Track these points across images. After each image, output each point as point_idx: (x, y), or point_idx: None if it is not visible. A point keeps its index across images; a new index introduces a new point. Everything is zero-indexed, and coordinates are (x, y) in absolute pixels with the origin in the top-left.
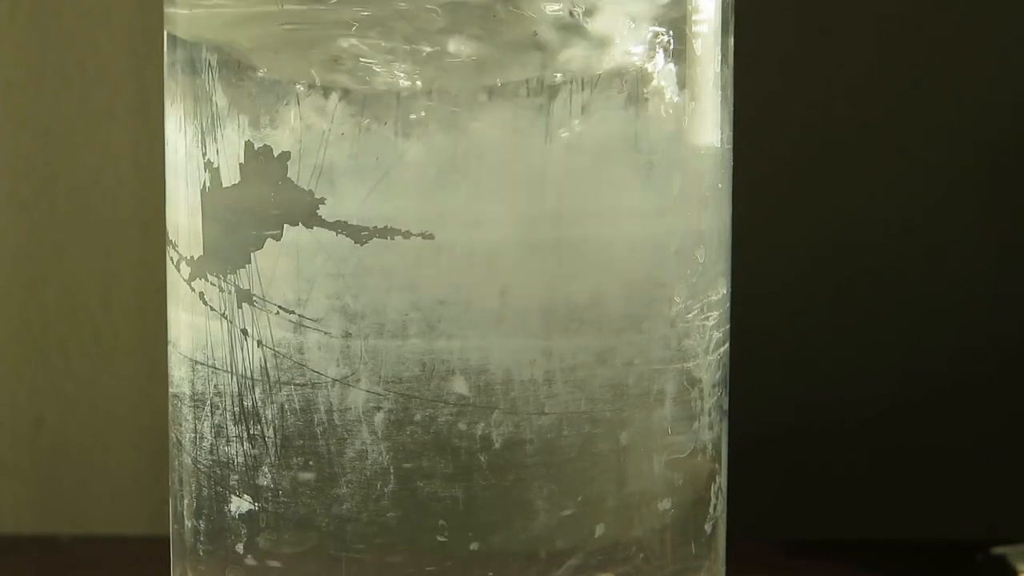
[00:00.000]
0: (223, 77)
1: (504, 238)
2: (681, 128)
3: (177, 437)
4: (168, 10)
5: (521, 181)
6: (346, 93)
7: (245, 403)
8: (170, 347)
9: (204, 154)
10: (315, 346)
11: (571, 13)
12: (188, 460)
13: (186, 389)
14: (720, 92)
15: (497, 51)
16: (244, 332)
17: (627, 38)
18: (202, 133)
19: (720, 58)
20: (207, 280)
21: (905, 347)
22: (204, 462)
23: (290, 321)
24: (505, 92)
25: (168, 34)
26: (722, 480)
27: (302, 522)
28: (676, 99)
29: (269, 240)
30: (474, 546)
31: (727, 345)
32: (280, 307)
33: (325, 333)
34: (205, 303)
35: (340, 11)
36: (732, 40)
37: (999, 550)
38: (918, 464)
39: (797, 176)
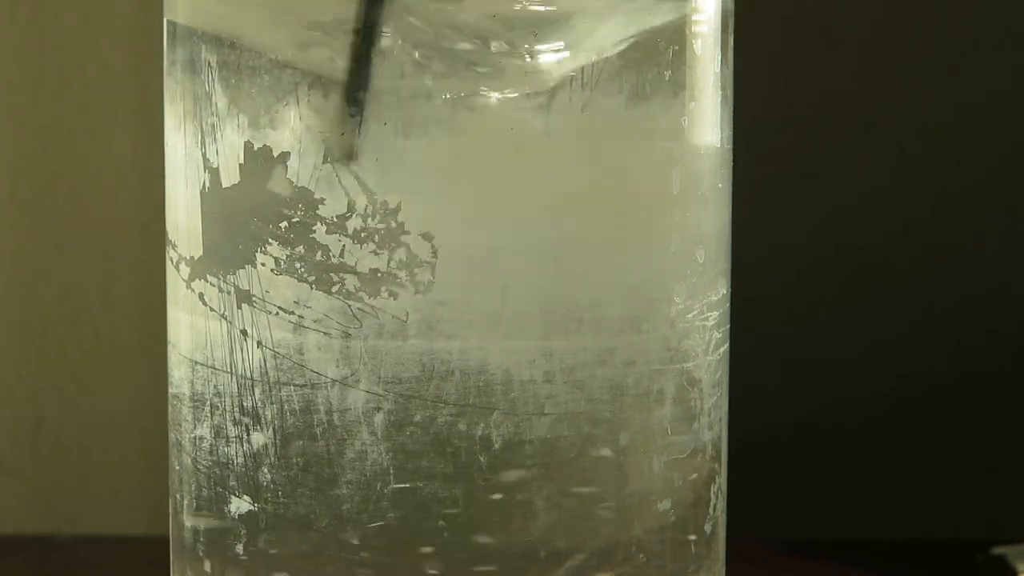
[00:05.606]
0: (223, 77)
1: (504, 238)
2: (681, 128)
3: (177, 437)
4: None
5: (520, 181)
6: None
7: (245, 404)
8: (170, 347)
9: (204, 154)
10: (314, 347)
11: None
12: (188, 460)
13: (186, 389)
14: (720, 92)
15: (497, 50)
16: (244, 333)
17: (627, 38)
18: (202, 133)
19: (720, 58)
20: (207, 280)
21: (905, 347)
22: (204, 463)
23: (289, 322)
24: (505, 92)
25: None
26: (722, 480)
27: (302, 523)
28: (676, 99)
29: (269, 240)
30: (474, 546)
31: (727, 345)
32: (279, 308)
33: (324, 334)
34: (205, 303)
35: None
36: (732, 40)
37: (999, 550)
38: (918, 463)
39: (797, 176)
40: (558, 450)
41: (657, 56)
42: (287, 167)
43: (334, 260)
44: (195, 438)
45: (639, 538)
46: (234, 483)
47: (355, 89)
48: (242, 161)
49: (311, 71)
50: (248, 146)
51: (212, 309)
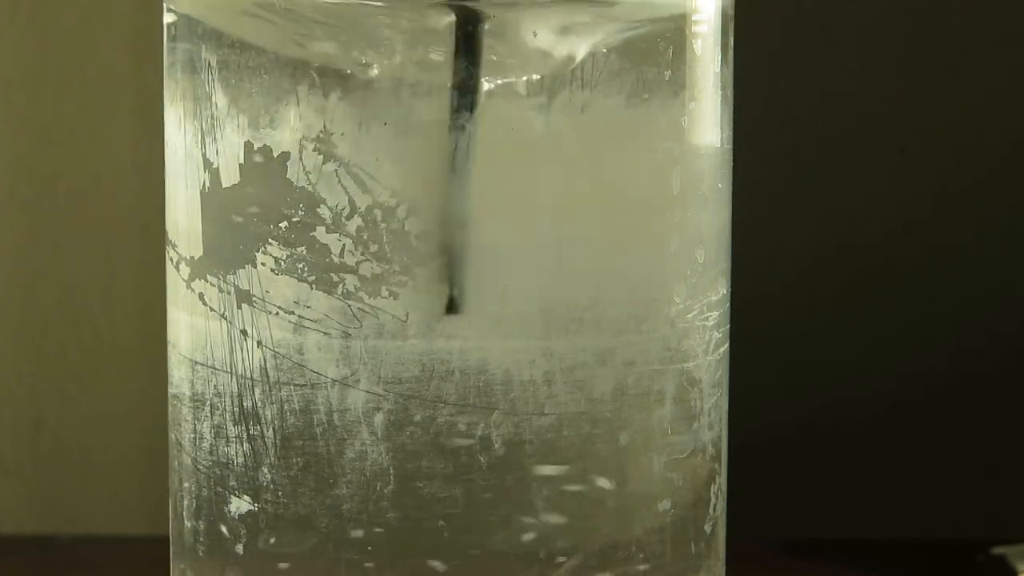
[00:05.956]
0: (223, 77)
1: (504, 238)
2: (681, 128)
3: (177, 437)
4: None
5: (520, 181)
6: (346, 93)
7: (245, 404)
8: (170, 347)
9: (204, 154)
10: (314, 347)
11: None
12: (188, 460)
13: (186, 389)
14: (720, 92)
15: (497, 50)
16: (244, 333)
17: (627, 38)
18: (202, 133)
19: (720, 58)
20: (207, 280)
21: (905, 347)
22: (204, 462)
23: (289, 322)
24: (505, 92)
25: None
26: (722, 480)
27: (302, 523)
28: (676, 99)
29: (269, 240)
30: (474, 546)
31: (727, 345)
32: (279, 308)
33: (324, 334)
34: (205, 303)
35: (338, 9)
36: (732, 40)
37: (999, 550)
38: (918, 463)
39: (797, 176)
40: (558, 450)
41: (657, 56)
42: (287, 167)
43: (334, 260)
44: (195, 438)
45: (639, 538)
46: (234, 483)
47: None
48: (242, 161)
49: (312, 68)
50: (248, 146)
51: (212, 309)
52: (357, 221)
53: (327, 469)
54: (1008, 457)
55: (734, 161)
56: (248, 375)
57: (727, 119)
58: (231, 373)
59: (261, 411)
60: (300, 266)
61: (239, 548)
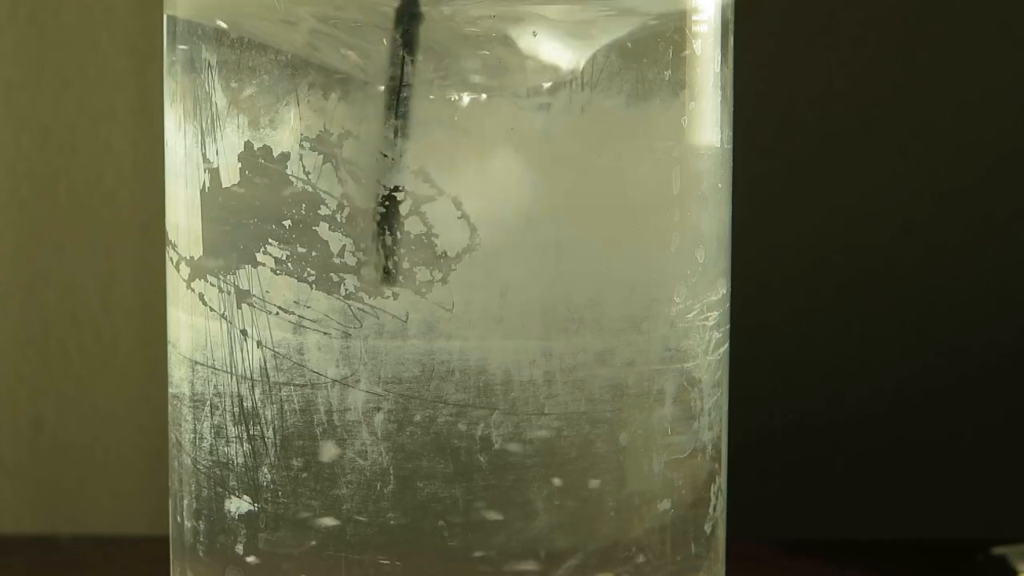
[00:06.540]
0: (223, 77)
1: (503, 238)
2: (681, 128)
3: (177, 437)
4: None
5: (520, 181)
6: (346, 93)
7: (245, 404)
8: (170, 347)
9: (204, 154)
10: (314, 347)
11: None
12: (188, 460)
13: (186, 389)
14: (720, 92)
15: (497, 51)
16: (244, 333)
17: (627, 38)
18: (202, 133)
19: (720, 58)
20: (206, 281)
21: (905, 346)
22: (204, 462)
23: (289, 322)
24: (505, 92)
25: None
26: (722, 480)
27: (302, 523)
28: (676, 99)
29: (269, 240)
30: (474, 546)
31: (727, 345)
32: (279, 308)
33: (324, 334)
34: (205, 303)
35: (338, 11)
36: (732, 40)
37: (999, 550)
38: (918, 463)
39: (797, 176)
40: (558, 450)
41: (657, 56)
42: (287, 167)
43: (334, 260)
44: (195, 438)
45: (639, 538)
46: (234, 483)
47: (395, 94)
48: (242, 161)
49: (312, 68)
50: (248, 146)
51: (212, 309)
52: (357, 221)
53: (327, 469)
54: (1008, 457)
55: (734, 161)
56: (248, 375)
57: (727, 119)
58: (231, 373)
59: (261, 411)
60: (300, 266)
61: (239, 548)
